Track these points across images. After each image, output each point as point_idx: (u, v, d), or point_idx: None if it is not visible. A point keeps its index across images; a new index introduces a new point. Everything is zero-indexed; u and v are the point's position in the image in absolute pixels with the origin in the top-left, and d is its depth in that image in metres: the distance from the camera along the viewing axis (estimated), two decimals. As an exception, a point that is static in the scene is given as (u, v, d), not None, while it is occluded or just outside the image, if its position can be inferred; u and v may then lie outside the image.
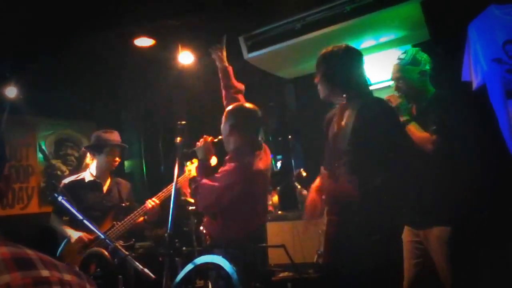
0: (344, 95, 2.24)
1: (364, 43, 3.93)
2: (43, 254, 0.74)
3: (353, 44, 3.97)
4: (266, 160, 2.79)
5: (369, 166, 2.05)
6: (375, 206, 2.00)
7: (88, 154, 3.52)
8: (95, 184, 3.35)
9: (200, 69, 4.41)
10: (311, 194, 2.42)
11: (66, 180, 3.43)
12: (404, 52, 2.66)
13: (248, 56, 4.06)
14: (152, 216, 3.26)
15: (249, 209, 2.63)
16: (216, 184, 2.55)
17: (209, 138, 2.73)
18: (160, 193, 3.32)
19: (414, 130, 2.51)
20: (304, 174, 3.29)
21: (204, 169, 2.68)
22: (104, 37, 3.93)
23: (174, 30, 4.01)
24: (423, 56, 2.62)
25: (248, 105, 2.82)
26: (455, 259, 2.38)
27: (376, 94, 3.60)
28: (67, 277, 0.72)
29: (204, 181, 2.58)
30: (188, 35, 4.10)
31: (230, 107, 2.81)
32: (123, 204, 3.34)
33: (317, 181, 2.44)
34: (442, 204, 2.42)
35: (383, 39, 3.84)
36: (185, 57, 4.30)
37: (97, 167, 3.39)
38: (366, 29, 3.69)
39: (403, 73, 2.62)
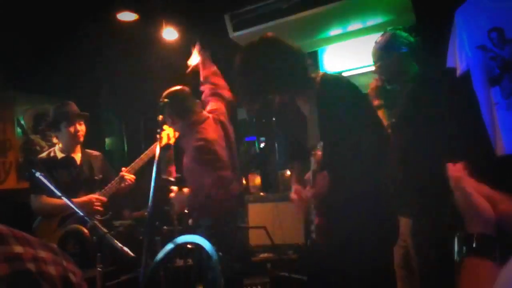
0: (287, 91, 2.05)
1: (350, 26, 3.91)
2: (17, 230, 0.71)
3: (339, 27, 4.00)
4: (214, 131, 2.93)
5: (339, 156, 1.91)
6: (352, 199, 1.90)
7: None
8: (69, 160, 3.26)
9: (184, 46, 4.33)
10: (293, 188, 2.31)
11: (35, 158, 3.35)
12: (382, 35, 2.61)
13: (233, 34, 4.01)
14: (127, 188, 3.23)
15: (211, 175, 2.72)
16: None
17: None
18: (134, 163, 3.28)
19: None
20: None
21: None
22: (85, 11, 3.83)
23: (158, 6, 3.92)
24: (400, 39, 2.54)
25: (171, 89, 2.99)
26: (421, 250, 2.39)
27: (362, 78, 3.61)
28: (42, 253, 0.70)
29: None
30: (173, 11, 4.02)
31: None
32: (96, 178, 3.28)
33: (295, 175, 2.34)
34: (405, 195, 2.42)
35: (370, 22, 3.82)
36: (169, 34, 4.23)
37: (64, 143, 3.27)
38: (353, 12, 3.66)
39: (378, 57, 2.58)
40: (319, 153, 1.90)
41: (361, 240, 1.86)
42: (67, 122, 3.21)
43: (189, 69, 3.26)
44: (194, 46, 3.32)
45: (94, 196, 3.14)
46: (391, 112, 2.58)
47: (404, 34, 2.56)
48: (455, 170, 1.15)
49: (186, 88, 3.03)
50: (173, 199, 2.92)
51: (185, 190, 2.92)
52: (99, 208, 3.11)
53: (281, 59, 1.95)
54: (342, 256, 1.93)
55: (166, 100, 2.84)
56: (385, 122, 2.47)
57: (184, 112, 2.94)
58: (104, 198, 3.16)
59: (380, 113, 2.50)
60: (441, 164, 2.28)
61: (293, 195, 2.10)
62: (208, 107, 3.13)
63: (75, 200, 2.92)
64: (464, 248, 1.02)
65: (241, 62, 2.00)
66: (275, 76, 1.95)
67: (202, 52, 3.29)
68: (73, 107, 3.30)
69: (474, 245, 1.00)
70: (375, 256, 1.86)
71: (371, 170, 1.90)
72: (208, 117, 2.98)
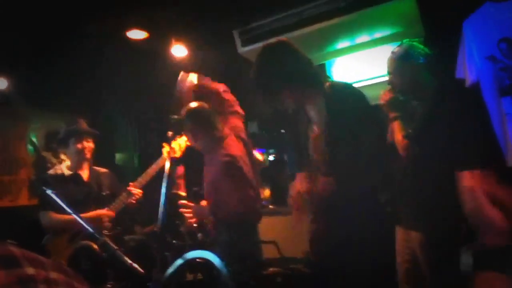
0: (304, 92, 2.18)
1: (358, 38, 3.93)
2: (29, 251, 0.72)
3: (347, 39, 4.01)
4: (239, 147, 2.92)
5: (346, 162, 1.98)
6: (355, 204, 1.95)
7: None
8: (76, 177, 3.29)
9: (193, 63, 4.37)
10: (293, 194, 2.38)
11: (45, 175, 3.37)
12: (399, 46, 2.59)
13: (242, 50, 4.05)
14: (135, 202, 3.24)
15: (237, 192, 2.74)
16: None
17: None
18: (140, 178, 3.29)
19: (395, 130, 2.47)
20: None
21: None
22: (97, 29, 3.89)
23: (168, 23, 3.98)
24: (418, 50, 2.52)
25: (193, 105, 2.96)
26: (431, 263, 2.35)
27: (370, 90, 3.60)
28: (54, 275, 0.70)
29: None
30: (183, 28, 4.07)
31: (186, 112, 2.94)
32: (104, 194, 3.29)
33: (297, 182, 2.38)
34: (420, 210, 2.39)
35: (378, 35, 3.84)
36: (179, 50, 4.27)
37: (72, 160, 3.32)
38: (361, 25, 3.68)
39: (395, 67, 2.55)
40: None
41: (357, 245, 1.92)
42: (75, 138, 3.27)
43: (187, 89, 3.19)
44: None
45: (102, 212, 3.15)
46: (408, 123, 2.54)
47: (421, 46, 2.56)
48: (469, 180, 1.12)
49: (207, 105, 3.04)
50: (193, 212, 2.88)
51: (204, 203, 2.90)
52: (107, 223, 3.12)
53: (294, 58, 2.15)
54: (337, 263, 1.99)
55: (176, 117, 2.86)
56: (402, 133, 2.45)
57: (209, 127, 2.92)
58: (112, 213, 3.17)
59: (397, 124, 2.49)
60: (454, 176, 2.28)
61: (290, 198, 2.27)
62: (228, 125, 3.13)
63: (83, 215, 2.95)
64: (476, 261, 1.00)
65: (257, 62, 2.21)
66: (289, 72, 2.12)
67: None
68: (83, 124, 3.36)
69: (486, 258, 0.98)
70: (372, 262, 1.90)
71: (371, 177, 1.98)
72: (230, 133, 2.98)
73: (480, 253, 1.02)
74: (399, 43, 2.68)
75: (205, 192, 2.95)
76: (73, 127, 3.32)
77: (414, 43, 2.58)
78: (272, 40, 2.27)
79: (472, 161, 2.48)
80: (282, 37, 3.72)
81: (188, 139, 3.03)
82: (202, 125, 2.92)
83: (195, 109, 2.97)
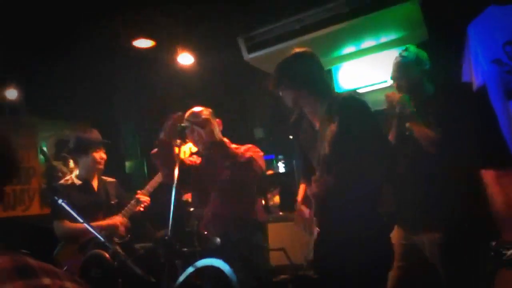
0: (313, 98, 2.18)
1: (363, 43, 3.93)
2: (44, 262, 0.74)
3: (352, 44, 4.02)
4: None
5: (352, 168, 1.98)
6: (359, 210, 1.96)
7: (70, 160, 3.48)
8: (87, 186, 3.31)
9: (198, 70, 4.41)
10: (298, 206, 2.39)
11: (56, 185, 3.39)
12: (405, 50, 2.62)
13: (248, 56, 4.06)
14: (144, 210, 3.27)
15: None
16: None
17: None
18: (148, 186, 3.33)
19: (418, 125, 2.45)
20: None
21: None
22: (103, 38, 3.94)
23: (173, 32, 4.02)
24: (424, 55, 2.59)
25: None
26: (448, 263, 2.35)
27: (376, 95, 3.61)
28: (68, 284, 0.73)
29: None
30: (187, 36, 4.11)
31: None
32: (112, 202, 3.32)
33: (302, 192, 2.41)
34: (434, 210, 2.39)
35: (383, 39, 3.84)
36: (184, 58, 4.31)
37: (84, 169, 3.32)
38: (366, 30, 3.68)
39: (406, 72, 2.57)
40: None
41: (356, 251, 1.93)
42: (92, 148, 3.29)
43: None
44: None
45: (120, 220, 3.19)
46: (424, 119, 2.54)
47: (425, 53, 2.60)
48: (500, 178, 1.14)
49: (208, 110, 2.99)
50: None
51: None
52: (122, 233, 3.15)
53: (314, 65, 2.23)
54: (335, 267, 2.01)
55: (183, 124, 2.84)
56: (423, 130, 2.44)
57: (213, 129, 2.88)
58: (127, 221, 3.21)
59: (418, 123, 2.47)
60: (468, 176, 2.30)
61: (296, 213, 2.33)
62: None
63: (101, 222, 3.09)
64: (497, 258, 1.01)
65: (280, 65, 2.28)
66: (307, 77, 2.19)
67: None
68: (97, 134, 3.39)
69: (507, 255, 0.98)
70: (371, 267, 1.92)
71: (371, 184, 2.00)
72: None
73: (501, 249, 1.03)
74: (403, 47, 2.70)
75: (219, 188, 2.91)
76: (88, 136, 3.34)
77: (419, 49, 2.63)
78: (299, 49, 2.29)
79: (485, 161, 2.51)
80: (288, 44, 3.80)
81: (194, 143, 2.98)
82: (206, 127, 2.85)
83: (196, 111, 2.94)
